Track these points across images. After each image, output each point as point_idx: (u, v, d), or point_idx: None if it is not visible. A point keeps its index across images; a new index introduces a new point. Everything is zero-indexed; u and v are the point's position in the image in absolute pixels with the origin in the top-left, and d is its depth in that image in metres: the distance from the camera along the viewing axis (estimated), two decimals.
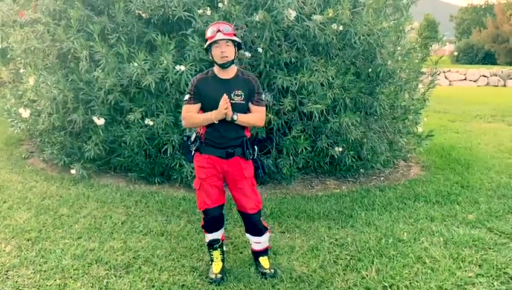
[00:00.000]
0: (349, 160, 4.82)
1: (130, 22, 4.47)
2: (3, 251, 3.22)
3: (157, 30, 4.50)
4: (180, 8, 4.28)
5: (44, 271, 2.96)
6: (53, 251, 3.23)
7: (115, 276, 2.93)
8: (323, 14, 4.21)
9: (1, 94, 6.49)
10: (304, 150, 4.56)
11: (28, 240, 3.39)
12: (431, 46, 5.31)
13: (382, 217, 3.93)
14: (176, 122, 4.40)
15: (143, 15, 4.44)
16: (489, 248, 3.33)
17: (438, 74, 5.36)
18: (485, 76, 21.25)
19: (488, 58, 31.09)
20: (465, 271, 3.00)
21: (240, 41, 2.78)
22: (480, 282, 2.88)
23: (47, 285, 2.80)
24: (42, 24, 4.87)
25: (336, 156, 4.74)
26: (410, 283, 2.87)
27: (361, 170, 5.21)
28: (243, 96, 2.73)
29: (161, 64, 4.20)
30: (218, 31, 2.63)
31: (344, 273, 2.99)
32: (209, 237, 2.95)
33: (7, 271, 2.95)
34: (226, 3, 4.23)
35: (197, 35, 4.23)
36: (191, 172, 4.43)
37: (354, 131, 4.60)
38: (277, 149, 4.72)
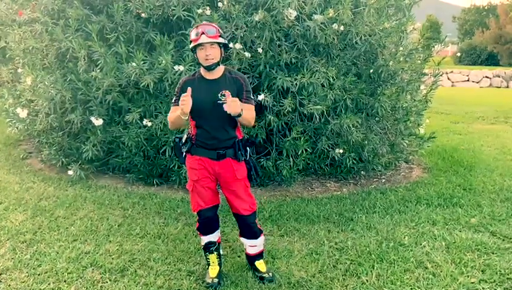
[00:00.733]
0: (350, 162, 4.77)
1: (129, 21, 4.42)
2: None
3: (157, 30, 4.47)
4: (179, 8, 4.24)
5: (38, 274, 2.91)
6: (48, 253, 3.18)
7: (110, 280, 2.87)
8: (324, 14, 4.15)
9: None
10: (304, 151, 4.51)
11: (23, 242, 3.35)
12: (433, 47, 5.24)
13: (383, 221, 3.87)
14: None
15: (142, 14, 4.40)
16: (493, 253, 3.27)
17: (441, 75, 5.30)
18: (487, 77, 21.21)
19: (491, 59, 31.04)
20: (468, 276, 2.94)
21: (226, 42, 2.71)
22: (483, 288, 2.82)
23: (40, 289, 2.75)
24: (40, 23, 4.83)
25: (336, 158, 4.69)
26: (411, 288, 2.81)
27: (362, 172, 5.16)
28: (230, 96, 2.67)
29: (160, 64, 4.16)
30: (202, 33, 2.57)
31: (343, 279, 2.93)
32: (205, 239, 2.90)
33: (0, 274, 2.90)
34: (225, 2, 4.19)
35: None
36: None
37: (355, 132, 4.54)
38: (277, 150, 4.67)
